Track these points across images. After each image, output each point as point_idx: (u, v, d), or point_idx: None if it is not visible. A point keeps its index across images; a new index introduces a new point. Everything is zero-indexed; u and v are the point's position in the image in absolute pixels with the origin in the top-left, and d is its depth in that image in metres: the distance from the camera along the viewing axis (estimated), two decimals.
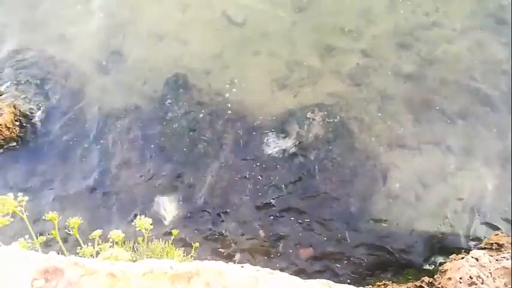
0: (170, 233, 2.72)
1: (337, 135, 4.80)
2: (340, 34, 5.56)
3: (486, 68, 5.17)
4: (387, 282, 3.83)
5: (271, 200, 4.45)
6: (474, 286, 3.12)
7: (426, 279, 3.68)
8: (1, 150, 4.82)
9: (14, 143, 4.87)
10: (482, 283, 3.11)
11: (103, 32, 5.79)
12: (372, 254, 4.10)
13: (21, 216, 1.82)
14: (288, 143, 4.79)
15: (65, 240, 2.09)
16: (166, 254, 2.75)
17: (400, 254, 4.09)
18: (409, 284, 3.75)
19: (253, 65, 5.41)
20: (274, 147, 4.77)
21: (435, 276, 3.65)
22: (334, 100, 5.06)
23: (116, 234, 2.13)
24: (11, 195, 1.79)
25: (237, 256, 4.12)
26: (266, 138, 4.84)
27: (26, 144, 4.91)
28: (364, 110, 4.97)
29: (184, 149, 4.81)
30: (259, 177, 4.59)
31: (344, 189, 4.48)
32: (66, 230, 2.01)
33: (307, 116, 4.94)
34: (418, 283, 3.69)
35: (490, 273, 3.20)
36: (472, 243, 4.05)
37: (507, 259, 3.31)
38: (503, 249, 3.58)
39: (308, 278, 1.75)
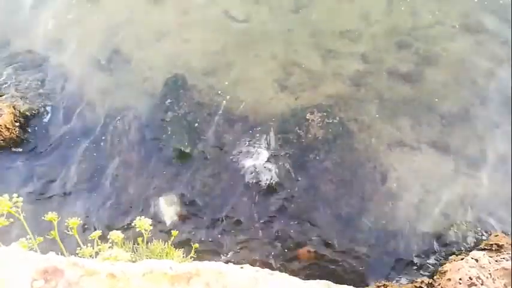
0: (170, 234, 2.71)
1: (337, 136, 4.80)
2: (339, 35, 5.57)
3: (486, 68, 5.17)
4: (387, 283, 3.83)
5: (271, 201, 4.45)
6: (474, 287, 3.12)
7: (426, 280, 3.68)
8: (1, 151, 4.81)
9: (14, 144, 4.87)
10: (481, 284, 3.11)
11: (103, 32, 5.79)
12: (371, 255, 4.10)
13: (18, 217, 1.82)
14: (288, 144, 4.79)
15: (64, 241, 2.08)
16: (166, 255, 2.74)
17: (399, 254, 4.09)
18: (408, 284, 3.75)
19: (253, 66, 5.41)
20: (274, 148, 4.77)
21: (435, 277, 3.65)
22: (333, 101, 5.06)
23: (116, 234, 2.13)
24: (6, 196, 1.79)
25: (237, 257, 4.12)
26: (266, 138, 4.84)
27: (26, 144, 4.91)
28: (364, 111, 4.98)
29: (184, 150, 4.81)
30: (259, 177, 4.59)
31: (343, 189, 4.48)
32: (66, 231, 2.01)
33: (307, 116, 4.94)
34: (417, 284, 3.69)
35: (490, 274, 3.20)
36: (471, 244, 4.05)
37: (507, 260, 3.31)
38: (502, 250, 3.58)
39: (307, 279, 1.75)
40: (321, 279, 1.79)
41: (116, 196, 4.55)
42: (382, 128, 4.86)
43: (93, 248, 2.06)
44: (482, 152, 4.63)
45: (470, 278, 3.18)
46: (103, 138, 4.94)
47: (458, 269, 3.31)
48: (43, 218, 1.99)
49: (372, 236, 4.21)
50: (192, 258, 2.82)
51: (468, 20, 5.57)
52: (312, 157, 4.68)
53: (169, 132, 4.94)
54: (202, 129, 4.95)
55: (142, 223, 2.26)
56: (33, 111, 5.11)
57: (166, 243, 2.84)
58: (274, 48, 5.53)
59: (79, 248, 2.07)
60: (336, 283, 1.72)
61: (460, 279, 3.22)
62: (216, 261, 1.56)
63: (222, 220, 4.37)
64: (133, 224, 2.29)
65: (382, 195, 4.43)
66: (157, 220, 4.33)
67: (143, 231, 2.30)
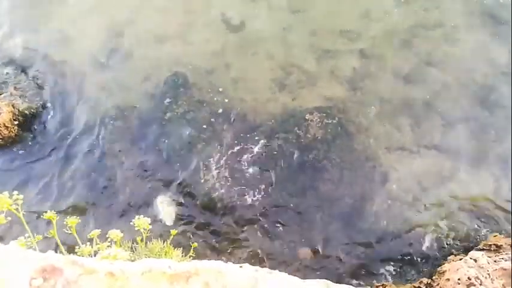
0: (169, 233, 2.71)
1: (336, 136, 4.80)
2: (338, 36, 5.57)
3: (485, 69, 5.18)
4: (386, 283, 3.83)
5: (270, 200, 4.45)
6: (472, 287, 3.12)
7: (424, 280, 3.68)
8: (0, 150, 4.81)
9: (13, 143, 4.86)
10: (480, 284, 3.12)
11: (103, 32, 5.79)
12: (371, 255, 4.10)
13: (17, 215, 1.81)
14: (288, 144, 4.78)
15: (63, 240, 2.08)
16: (165, 254, 2.74)
17: (398, 254, 4.09)
18: (407, 285, 3.76)
19: (252, 66, 5.41)
20: (273, 148, 4.77)
21: (433, 277, 3.66)
22: (332, 102, 5.06)
23: (115, 233, 2.12)
24: (6, 193, 1.78)
25: (236, 256, 4.12)
26: (264, 138, 4.84)
27: (25, 143, 4.90)
28: (363, 112, 4.98)
29: (183, 149, 4.80)
30: (258, 177, 4.58)
31: (343, 190, 4.48)
32: (65, 229, 2.00)
33: (306, 117, 4.94)
34: (416, 284, 3.69)
35: (489, 274, 3.21)
36: (470, 245, 4.05)
37: (505, 260, 3.32)
38: (501, 251, 3.58)
39: (307, 278, 1.75)
40: (320, 278, 1.79)
41: (115, 195, 4.54)
42: (382, 128, 4.86)
43: (92, 247, 2.05)
44: (481, 152, 4.63)
45: (469, 278, 3.19)
46: (103, 137, 4.93)
47: (457, 269, 3.31)
48: (42, 216, 1.98)
49: (371, 236, 4.21)
50: (191, 258, 2.82)
51: (468, 21, 5.57)
52: (311, 157, 4.68)
53: (169, 131, 4.94)
54: (202, 129, 4.95)
55: (141, 222, 2.25)
56: (32, 110, 5.10)
57: (165, 242, 2.83)
58: (274, 48, 5.53)
59: (78, 247, 2.07)
60: (335, 282, 1.72)
61: (458, 279, 3.23)
62: (215, 260, 1.56)
63: (221, 219, 4.37)
64: (132, 223, 2.29)
65: (381, 195, 4.43)
66: (156, 219, 4.33)
67: (142, 231, 2.30)
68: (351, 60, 5.36)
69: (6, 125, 4.76)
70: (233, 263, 1.58)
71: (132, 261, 1.61)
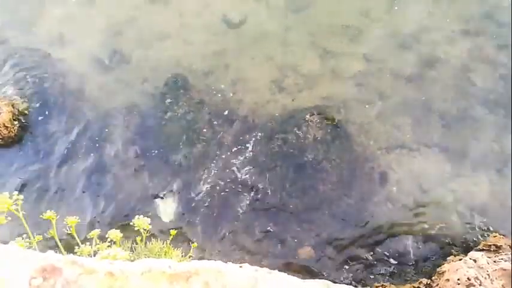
0: (168, 233, 2.71)
1: (336, 137, 4.80)
2: (338, 36, 5.57)
3: (485, 70, 5.18)
4: (385, 284, 3.83)
5: (270, 201, 4.45)
6: (472, 287, 3.12)
7: (424, 280, 3.68)
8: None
9: (13, 143, 4.85)
10: (480, 285, 3.12)
11: (103, 32, 5.79)
12: (370, 255, 4.10)
13: (18, 215, 1.81)
14: (287, 144, 4.79)
15: (62, 240, 2.08)
16: (165, 254, 2.74)
17: (398, 255, 4.09)
18: (407, 285, 3.76)
19: (252, 66, 5.41)
20: (273, 148, 4.77)
21: (433, 277, 3.66)
22: (332, 102, 5.06)
23: (114, 233, 2.12)
24: (6, 194, 1.78)
25: (236, 256, 4.12)
26: (264, 138, 4.84)
27: (25, 143, 4.90)
28: (363, 112, 4.98)
29: (183, 149, 4.81)
30: (258, 177, 4.59)
31: (342, 190, 4.48)
32: (64, 229, 2.00)
33: (306, 117, 4.94)
34: (416, 284, 3.69)
35: (488, 274, 3.21)
36: (470, 245, 4.05)
37: (505, 261, 3.32)
38: (501, 251, 3.58)
39: (306, 278, 1.75)
40: (319, 278, 1.79)
41: (114, 195, 4.54)
42: (381, 129, 4.86)
43: (91, 247, 2.05)
44: (481, 152, 4.64)
45: (468, 278, 3.19)
46: (103, 137, 4.93)
47: (457, 270, 3.31)
48: (41, 216, 1.98)
49: (371, 236, 4.21)
50: (191, 258, 2.82)
51: (468, 22, 5.58)
52: (311, 158, 4.68)
53: (168, 132, 4.94)
54: (202, 129, 4.95)
55: (141, 222, 2.25)
56: (32, 110, 5.09)
57: (165, 242, 2.83)
58: (273, 48, 5.53)
59: (77, 247, 2.07)
60: (335, 283, 1.72)
61: (458, 279, 3.23)
62: (215, 260, 1.56)
63: (221, 220, 4.37)
64: (132, 223, 2.28)
65: (381, 195, 4.44)
66: (156, 219, 4.33)
67: (142, 231, 2.30)
68: (351, 60, 5.37)
69: (6, 125, 4.76)
70: (233, 263, 1.58)
71: (132, 261, 1.61)
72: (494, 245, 3.67)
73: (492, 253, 3.58)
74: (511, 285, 3.14)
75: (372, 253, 4.12)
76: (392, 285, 3.82)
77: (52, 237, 1.98)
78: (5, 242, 1.63)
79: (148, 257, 2.60)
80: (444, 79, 5.16)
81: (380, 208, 4.36)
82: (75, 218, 2.03)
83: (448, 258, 3.87)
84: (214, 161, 4.72)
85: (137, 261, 1.51)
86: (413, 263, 4.04)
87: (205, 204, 4.45)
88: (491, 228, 4.16)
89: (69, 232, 2.00)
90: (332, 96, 5.10)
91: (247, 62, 5.44)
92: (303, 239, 4.22)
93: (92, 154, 4.82)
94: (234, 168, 4.66)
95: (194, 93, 5.23)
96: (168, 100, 5.16)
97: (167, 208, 4.43)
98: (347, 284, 3.41)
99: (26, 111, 5.04)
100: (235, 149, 4.79)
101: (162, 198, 4.50)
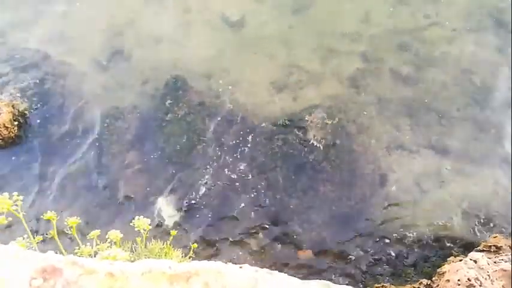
0: (168, 234, 2.71)
1: (336, 138, 4.81)
2: (339, 36, 5.58)
3: (485, 70, 5.18)
4: (385, 285, 3.83)
5: (270, 201, 4.45)
6: None
7: (424, 281, 3.68)
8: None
9: (13, 143, 4.85)
10: (480, 285, 3.11)
11: (103, 33, 5.79)
12: (370, 256, 4.10)
13: (18, 216, 1.81)
14: (287, 145, 4.79)
15: (63, 240, 2.08)
16: (165, 255, 2.74)
17: (398, 256, 4.09)
18: (407, 285, 3.75)
19: (253, 67, 5.42)
20: (273, 149, 4.77)
21: (433, 278, 3.65)
22: (332, 102, 5.06)
23: (115, 234, 2.12)
24: (6, 194, 1.78)
25: (236, 257, 4.11)
26: (264, 139, 4.84)
27: (25, 144, 4.90)
28: (363, 113, 4.98)
29: (183, 150, 4.81)
30: (258, 178, 4.59)
31: (342, 191, 4.48)
32: (65, 230, 2.00)
33: (306, 118, 4.94)
34: (416, 285, 3.69)
35: (488, 275, 3.21)
36: (470, 246, 4.05)
37: (505, 261, 3.32)
38: (501, 252, 3.58)
39: (307, 279, 1.74)
40: (320, 279, 1.78)
41: (115, 196, 4.54)
42: (381, 129, 4.86)
43: (92, 247, 2.05)
44: (481, 153, 4.64)
45: (468, 279, 3.19)
46: (103, 137, 4.93)
47: (457, 270, 3.31)
48: (42, 217, 1.98)
49: (371, 236, 4.21)
50: (191, 258, 2.82)
51: (467, 22, 5.58)
52: (311, 158, 4.68)
53: (168, 133, 4.94)
54: (202, 130, 4.95)
55: (141, 223, 2.25)
56: (32, 110, 5.10)
57: (165, 243, 2.83)
58: (273, 48, 5.53)
59: (78, 247, 2.07)
60: (335, 283, 1.72)
61: (458, 280, 3.22)
62: (215, 260, 1.56)
63: (221, 220, 4.37)
64: (132, 224, 2.28)
65: (381, 196, 4.44)
66: (156, 220, 4.33)
67: (142, 231, 2.30)
68: (351, 60, 5.37)
69: (6, 125, 4.76)
70: (233, 263, 1.58)
71: (132, 261, 1.61)
72: (494, 245, 3.67)
73: (492, 254, 3.58)
74: (511, 286, 3.14)
75: (372, 253, 4.11)
76: (393, 286, 3.82)
77: (52, 238, 1.98)
78: (5, 243, 1.63)
79: (149, 257, 2.60)
80: (444, 79, 5.17)
81: (380, 208, 4.36)
82: (75, 219, 2.03)
83: (448, 258, 3.87)
84: (214, 162, 4.72)
85: (137, 262, 1.51)
86: (414, 263, 4.03)
87: (206, 205, 4.45)
88: (491, 229, 4.16)
89: (69, 232, 2.00)
90: (332, 96, 5.10)
91: (247, 63, 5.45)
92: (303, 240, 4.22)
93: (92, 154, 4.81)
94: (234, 169, 4.66)
95: (194, 93, 5.23)
96: (168, 101, 5.16)
97: (167, 209, 4.43)
98: (347, 285, 3.40)
99: (26, 112, 5.04)
100: (235, 149, 4.79)
101: (162, 198, 4.50)
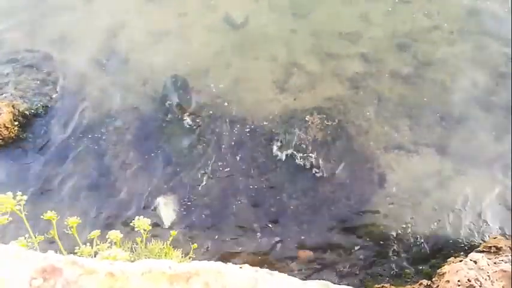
0: (169, 234, 2.71)
1: (336, 138, 4.81)
2: (339, 37, 5.59)
3: (484, 70, 5.19)
4: (385, 285, 3.83)
5: (270, 202, 4.45)
6: None
7: (424, 282, 3.68)
8: (0, 150, 4.81)
9: (13, 143, 4.85)
10: (480, 286, 3.11)
11: (103, 33, 5.80)
12: (370, 257, 4.10)
13: (20, 216, 1.82)
14: (287, 145, 4.79)
15: (63, 240, 2.08)
16: (165, 255, 2.73)
17: (397, 256, 4.09)
18: (407, 286, 3.75)
19: (253, 67, 5.42)
20: (273, 149, 4.77)
21: (433, 279, 3.65)
22: (332, 103, 5.07)
23: (115, 234, 2.12)
24: (10, 194, 1.79)
25: (236, 257, 4.11)
26: (264, 140, 4.84)
27: (25, 144, 4.90)
28: (362, 114, 4.98)
29: (183, 150, 4.81)
30: (258, 178, 4.59)
31: (342, 191, 4.48)
32: (65, 230, 2.00)
33: (306, 118, 4.94)
34: (416, 286, 3.68)
35: (489, 276, 3.21)
36: (470, 246, 4.05)
37: (505, 262, 3.32)
38: (501, 252, 3.58)
39: (307, 279, 1.74)
40: (320, 279, 1.78)
41: (115, 196, 4.54)
42: (381, 130, 4.86)
43: (92, 248, 2.05)
44: (481, 153, 4.64)
45: (468, 280, 3.18)
46: (103, 138, 4.93)
47: (457, 271, 3.31)
48: (42, 217, 1.98)
49: (371, 237, 4.21)
50: (191, 258, 2.82)
51: (467, 23, 5.59)
52: (311, 159, 4.68)
53: (168, 133, 4.94)
54: (202, 130, 4.95)
55: (141, 223, 2.25)
56: (33, 111, 5.10)
57: (165, 243, 2.83)
58: (274, 49, 5.54)
59: (78, 247, 2.07)
60: (335, 284, 1.72)
61: (458, 281, 3.22)
62: (215, 261, 1.56)
63: (221, 220, 4.36)
64: (132, 224, 2.28)
65: (380, 196, 4.44)
66: (156, 220, 4.33)
67: (142, 231, 2.30)
68: (351, 61, 5.38)
69: (7, 125, 4.76)
70: (233, 263, 1.58)
71: (132, 261, 1.61)
72: (494, 246, 3.67)
73: (492, 254, 3.58)
74: (511, 287, 3.14)
75: (371, 254, 4.11)
76: (392, 286, 3.82)
77: (53, 238, 1.98)
78: (6, 242, 1.63)
79: (149, 257, 2.60)
80: (443, 79, 5.17)
81: (380, 209, 4.36)
82: (76, 219, 2.03)
83: (448, 259, 3.87)
84: (214, 162, 4.72)
85: (137, 262, 1.51)
86: (414, 263, 4.03)
87: (206, 205, 4.45)
88: (491, 230, 4.16)
89: (69, 232, 2.00)
90: (332, 97, 5.11)
91: (247, 63, 5.45)
92: (303, 240, 4.22)
93: (92, 155, 4.81)
94: (234, 169, 4.66)
95: (194, 94, 5.23)
96: (168, 101, 5.17)
97: (167, 209, 4.43)
98: (347, 285, 3.40)
99: (27, 112, 5.04)
100: (235, 149, 4.79)
101: (162, 199, 4.50)
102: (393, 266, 4.05)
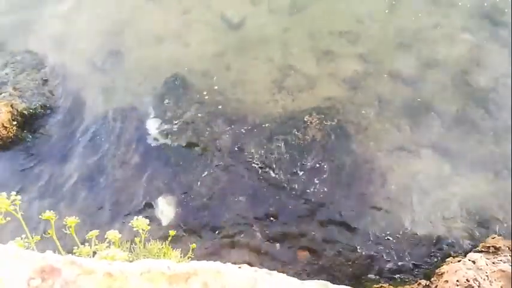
0: (167, 234, 2.70)
1: (335, 138, 4.81)
2: (337, 37, 5.58)
3: (484, 71, 5.19)
4: (384, 285, 3.83)
5: (269, 202, 4.44)
6: None
7: (423, 281, 3.68)
8: None
9: (11, 143, 4.84)
10: (479, 286, 3.12)
11: (102, 33, 5.79)
12: (369, 256, 4.10)
13: (16, 216, 1.81)
14: (287, 146, 4.79)
15: (61, 240, 2.07)
16: (164, 255, 2.73)
17: (397, 256, 4.09)
18: (406, 286, 3.75)
19: (252, 67, 5.42)
20: (272, 150, 4.77)
21: (432, 279, 3.65)
22: (331, 103, 5.06)
23: (113, 234, 2.11)
24: (4, 194, 1.78)
25: (235, 257, 4.11)
26: (264, 140, 4.84)
27: (23, 144, 4.89)
28: (362, 114, 4.98)
29: (183, 150, 4.80)
30: (257, 178, 4.58)
31: (341, 191, 4.48)
32: (63, 230, 2.00)
33: (305, 118, 4.94)
34: (414, 286, 3.69)
35: (487, 276, 3.21)
36: (469, 246, 4.05)
37: (504, 262, 3.32)
38: (500, 252, 3.59)
39: (305, 279, 1.74)
40: (318, 279, 1.78)
41: (113, 196, 4.54)
42: (381, 130, 4.86)
43: (90, 247, 2.04)
44: (481, 153, 4.64)
45: (467, 279, 3.19)
46: (102, 137, 4.93)
47: (456, 271, 3.31)
48: (40, 216, 1.97)
49: (370, 237, 4.20)
50: (190, 258, 2.81)
51: (467, 23, 5.59)
52: (310, 159, 4.68)
53: (167, 133, 4.93)
54: (201, 130, 4.95)
55: (140, 223, 2.24)
56: (31, 111, 5.09)
57: (163, 243, 2.82)
58: (273, 49, 5.53)
59: (76, 247, 2.06)
60: (334, 284, 1.72)
61: (457, 281, 3.23)
62: (214, 261, 1.55)
63: (220, 220, 4.36)
64: (130, 224, 2.28)
65: (380, 197, 4.44)
66: (155, 220, 4.32)
67: (140, 231, 2.29)
68: (349, 62, 5.37)
69: (5, 125, 4.76)
70: (232, 263, 1.58)
71: (131, 261, 1.60)
72: (493, 246, 3.67)
73: (491, 254, 3.58)
74: (510, 286, 3.14)
75: (371, 253, 4.11)
76: (391, 286, 3.82)
77: (51, 237, 1.97)
78: (4, 242, 1.62)
79: (147, 257, 2.59)
80: (443, 80, 5.17)
81: (379, 209, 4.36)
82: (74, 218, 2.02)
83: (447, 259, 3.87)
84: (213, 162, 4.72)
85: (136, 262, 1.50)
86: (413, 264, 4.03)
87: (205, 205, 4.45)
88: (490, 230, 4.16)
89: (68, 232, 1.99)
90: (331, 97, 5.10)
91: (246, 63, 5.45)
92: (303, 240, 4.21)
93: (91, 154, 4.81)
94: (234, 169, 4.66)
95: (194, 93, 5.23)
96: (168, 101, 5.16)
97: (166, 209, 4.42)
98: (346, 285, 3.39)
99: (25, 112, 5.04)
100: (235, 149, 4.79)
101: (161, 198, 4.49)
102: (392, 265, 4.05)
